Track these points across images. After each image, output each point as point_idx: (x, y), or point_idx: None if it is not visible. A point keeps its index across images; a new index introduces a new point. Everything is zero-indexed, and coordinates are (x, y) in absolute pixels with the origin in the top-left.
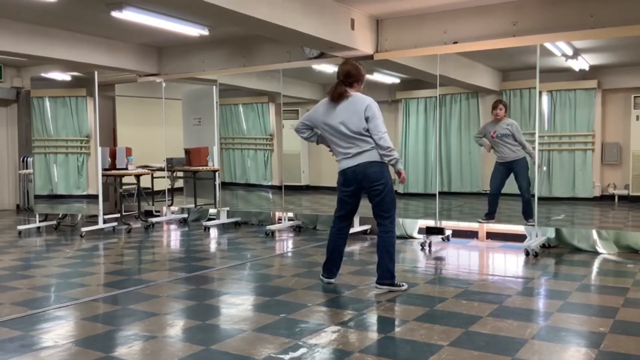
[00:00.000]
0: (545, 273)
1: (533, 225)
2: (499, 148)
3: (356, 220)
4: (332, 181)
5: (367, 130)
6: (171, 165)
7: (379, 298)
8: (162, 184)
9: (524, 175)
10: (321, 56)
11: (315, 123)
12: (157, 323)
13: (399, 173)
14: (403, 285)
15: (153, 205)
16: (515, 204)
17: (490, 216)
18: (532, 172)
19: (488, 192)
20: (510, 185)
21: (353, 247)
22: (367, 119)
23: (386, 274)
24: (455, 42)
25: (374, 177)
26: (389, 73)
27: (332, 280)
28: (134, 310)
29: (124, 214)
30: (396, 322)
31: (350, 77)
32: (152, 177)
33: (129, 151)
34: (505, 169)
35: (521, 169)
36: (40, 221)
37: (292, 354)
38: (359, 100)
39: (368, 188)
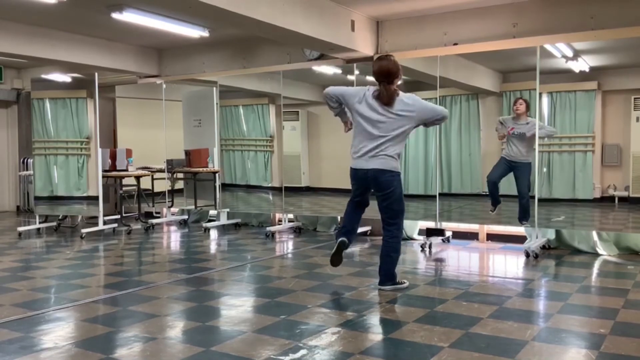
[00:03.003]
0: (546, 274)
1: (531, 227)
2: (510, 145)
3: None
4: (332, 182)
5: (402, 134)
6: (171, 166)
7: (379, 299)
8: (162, 185)
9: (524, 179)
10: (321, 58)
11: (348, 105)
12: (157, 324)
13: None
14: (404, 283)
15: (153, 206)
16: (516, 205)
17: (496, 204)
18: (533, 175)
19: (487, 180)
20: (510, 187)
21: (353, 249)
22: (421, 116)
23: (387, 277)
24: (455, 44)
25: (384, 184)
26: None
27: (346, 240)
28: (134, 312)
29: (124, 215)
30: (396, 324)
31: (391, 75)
32: (152, 179)
33: (129, 152)
34: (508, 165)
35: (523, 172)
36: (40, 222)
37: (292, 356)
38: (405, 102)
39: (377, 192)
